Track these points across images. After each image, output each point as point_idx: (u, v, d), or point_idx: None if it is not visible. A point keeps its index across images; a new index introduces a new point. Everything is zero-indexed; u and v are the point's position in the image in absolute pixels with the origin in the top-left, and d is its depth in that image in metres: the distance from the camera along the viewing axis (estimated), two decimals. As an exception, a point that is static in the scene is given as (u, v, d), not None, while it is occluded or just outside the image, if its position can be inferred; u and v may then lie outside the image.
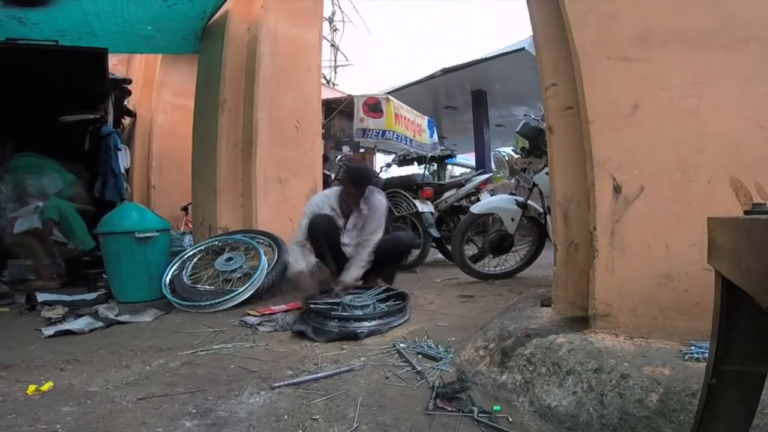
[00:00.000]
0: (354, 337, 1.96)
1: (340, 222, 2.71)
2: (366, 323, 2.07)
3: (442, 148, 7.46)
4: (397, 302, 2.35)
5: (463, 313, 2.38)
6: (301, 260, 2.60)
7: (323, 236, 2.62)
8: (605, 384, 1.23)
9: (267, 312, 2.47)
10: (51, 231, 3.61)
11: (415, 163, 5.09)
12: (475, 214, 3.24)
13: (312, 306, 2.24)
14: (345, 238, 2.71)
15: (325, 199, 2.74)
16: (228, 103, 3.71)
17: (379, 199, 2.74)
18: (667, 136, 1.45)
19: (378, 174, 5.60)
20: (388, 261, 2.74)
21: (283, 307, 2.54)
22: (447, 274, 3.68)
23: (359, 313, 2.18)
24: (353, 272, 2.57)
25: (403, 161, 5.16)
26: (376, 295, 2.43)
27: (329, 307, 2.24)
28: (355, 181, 2.62)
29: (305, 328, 2.06)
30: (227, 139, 3.70)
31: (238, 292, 2.66)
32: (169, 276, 2.91)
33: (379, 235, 2.66)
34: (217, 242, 3.18)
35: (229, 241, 3.13)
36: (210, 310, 2.60)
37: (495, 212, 3.21)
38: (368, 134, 7.59)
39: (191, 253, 3.11)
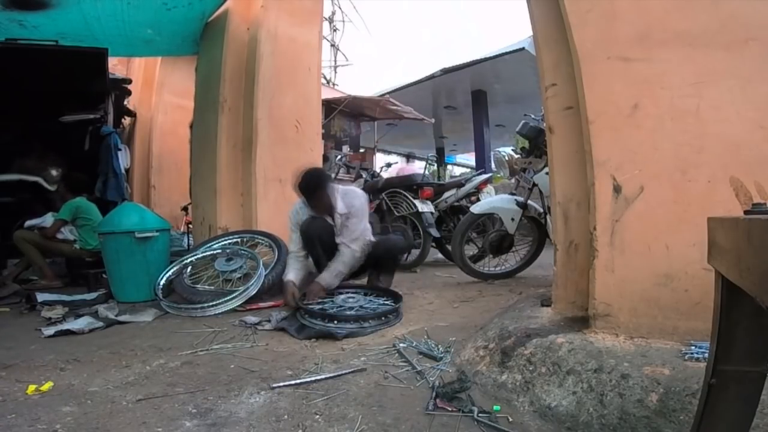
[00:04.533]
0: (331, 336, 1.99)
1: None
2: (347, 324, 2.08)
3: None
4: (390, 304, 2.34)
5: (463, 313, 2.38)
6: (291, 272, 2.56)
7: (317, 238, 2.58)
8: (605, 384, 1.23)
9: (254, 308, 2.56)
10: (57, 230, 3.60)
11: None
12: (475, 214, 3.23)
13: (299, 305, 2.28)
14: (340, 239, 2.67)
15: (302, 209, 2.66)
16: (228, 103, 3.71)
17: (357, 196, 2.65)
18: (667, 136, 1.45)
19: (378, 173, 5.60)
20: (383, 264, 2.72)
21: (270, 303, 2.63)
22: (447, 274, 3.68)
23: (345, 314, 2.19)
24: (327, 276, 2.47)
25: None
26: (367, 297, 2.44)
27: (311, 306, 2.26)
28: (306, 191, 2.51)
29: (288, 325, 2.14)
30: (227, 139, 3.70)
31: (229, 298, 2.59)
32: (163, 281, 2.87)
33: (359, 232, 2.57)
34: (218, 249, 3.12)
35: (228, 251, 3.06)
36: (201, 314, 2.53)
37: (495, 212, 3.21)
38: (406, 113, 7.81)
39: (189, 260, 3.05)
